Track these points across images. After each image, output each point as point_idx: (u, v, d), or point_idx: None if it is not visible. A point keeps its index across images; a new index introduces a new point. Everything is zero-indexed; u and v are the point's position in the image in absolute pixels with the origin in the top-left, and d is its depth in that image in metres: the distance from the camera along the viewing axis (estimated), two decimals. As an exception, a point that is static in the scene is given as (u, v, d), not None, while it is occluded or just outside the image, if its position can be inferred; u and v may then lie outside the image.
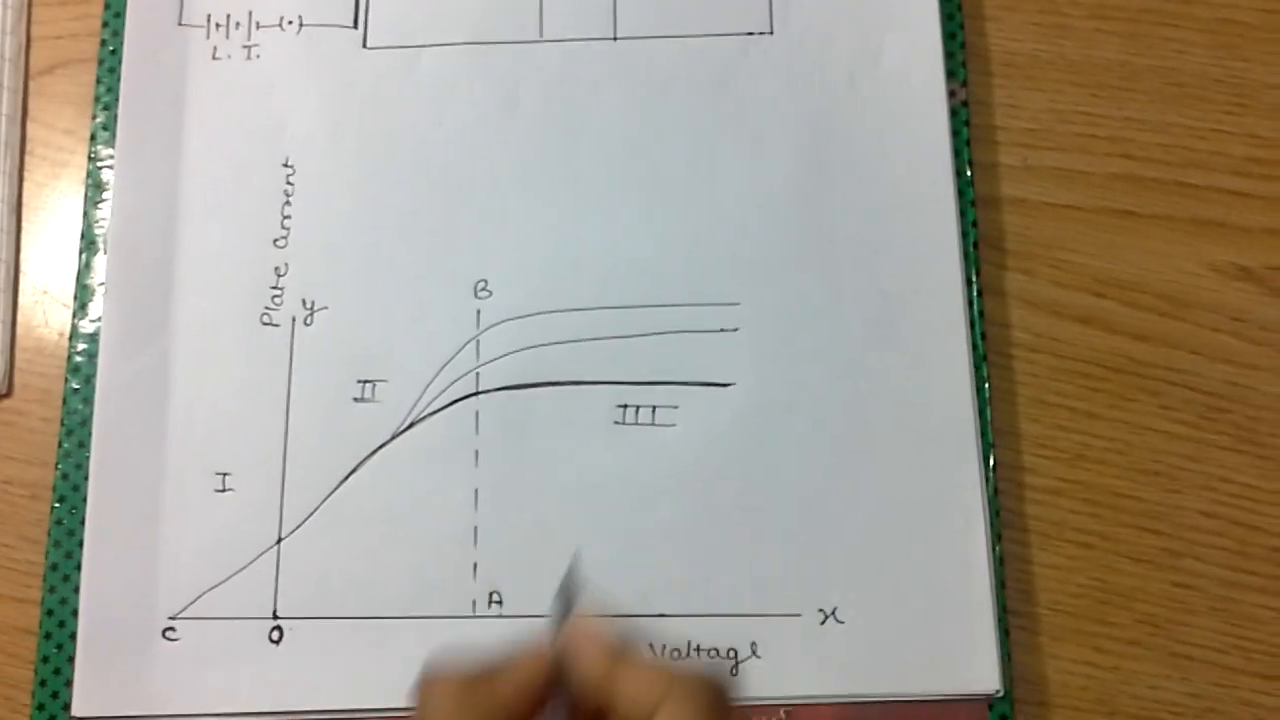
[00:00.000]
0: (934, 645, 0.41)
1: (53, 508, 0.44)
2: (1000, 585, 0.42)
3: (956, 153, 0.46)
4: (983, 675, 0.41)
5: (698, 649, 0.42)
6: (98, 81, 0.48)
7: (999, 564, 0.42)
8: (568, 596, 0.35)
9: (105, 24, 0.49)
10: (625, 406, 0.44)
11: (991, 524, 0.42)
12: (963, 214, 0.45)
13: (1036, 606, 0.43)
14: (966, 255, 0.45)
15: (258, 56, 0.48)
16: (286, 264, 0.45)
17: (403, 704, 0.40)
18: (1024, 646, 0.43)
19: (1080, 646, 0.43)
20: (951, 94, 0.46)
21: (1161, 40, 0.48)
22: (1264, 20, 0.48)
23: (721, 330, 0.44)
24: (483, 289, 0.45)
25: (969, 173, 0.46)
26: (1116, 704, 0.42)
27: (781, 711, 0.41)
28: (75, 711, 0.41)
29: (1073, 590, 0.43)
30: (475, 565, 0.43)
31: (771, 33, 0.47)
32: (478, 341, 0.44)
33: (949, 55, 0.47)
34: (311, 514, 0.43)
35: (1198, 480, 0.44)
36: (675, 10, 0.47)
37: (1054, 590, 0.43)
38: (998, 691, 0.41)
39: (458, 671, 0.32)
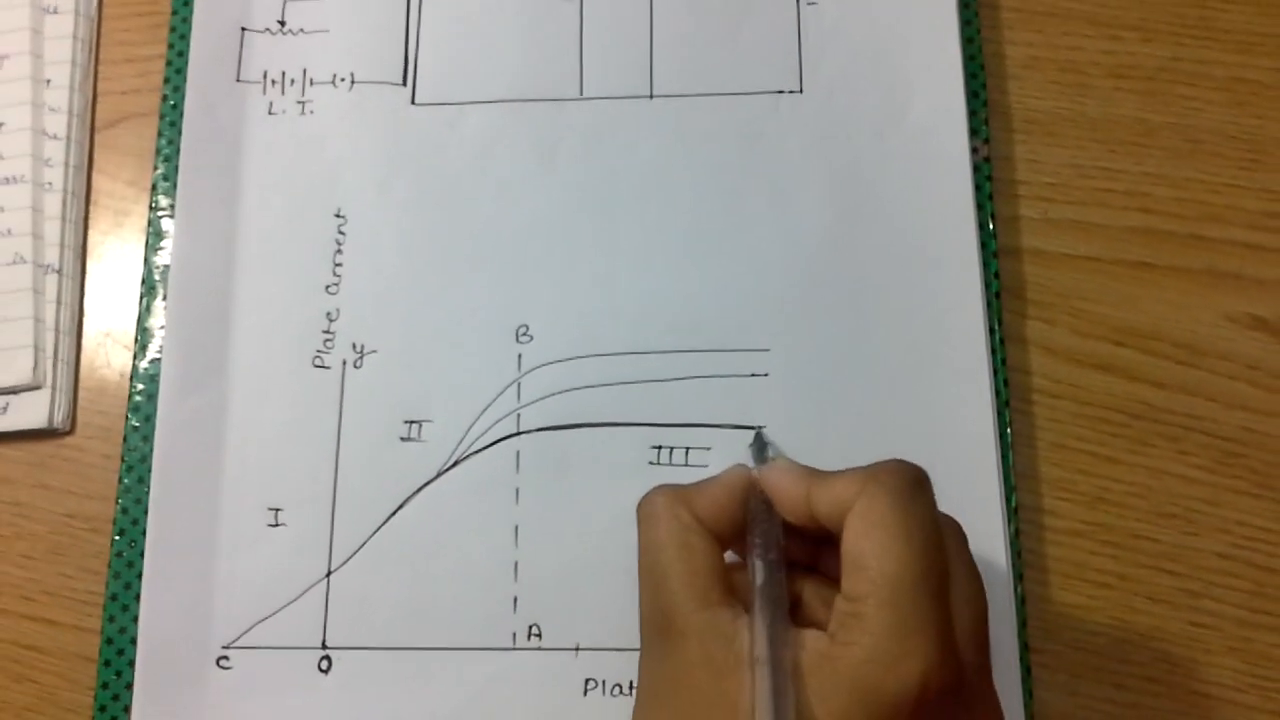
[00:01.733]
0: (958, 681, 0.43)
1: (113, 540, 0.46)
2: (1022, 624, 0.43)
3: (979, 206, 0.47)
4: (1007, 712, 0.42)
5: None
6: (159, 135, 0.50)
7: (1021, 603, 0.44)
8: (760, 447, 0.40)
9: (167, 80, 0.51)
10: (659, 448, 0.46)
11: (1013, 564, 0.44)
12: (985, 264, 0.47)
13: (1058, 645, 0.44)
14: (989, 304, 0.46)
15: (311, 112, 0.50)
16: (338, 309, 0.47)
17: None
18: (1045, 684, 0.44)
19: (1100, 684, 0.44)
20: (974, 150, 0.48)
21: (1178, 98, 0.50)
22: (1276, 79, 0.50)
23: (752, 375, 0.46)
24: (524, 334, 0.47)
25: (991, 225, 0.47)
26: (1136, 741, 0.43)
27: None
28: (134, 737, 0.43)
29: (1093, 629, 0.44)
30: (515, 599, 0.44)
31: (801, 91, 0.49)
32: (519, 384, 0.46)
33: (972, 113, 0.49)
34: (360, 548, 0.45)
35: (1215, 523, 0.45)
36: (709, 69, 0.50)
37: (1075, 629, 0.44)
38: (1020, 727, 0.42)
39: (672, 487, 0.37)
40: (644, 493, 0.37)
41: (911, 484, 0.34)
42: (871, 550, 0.32)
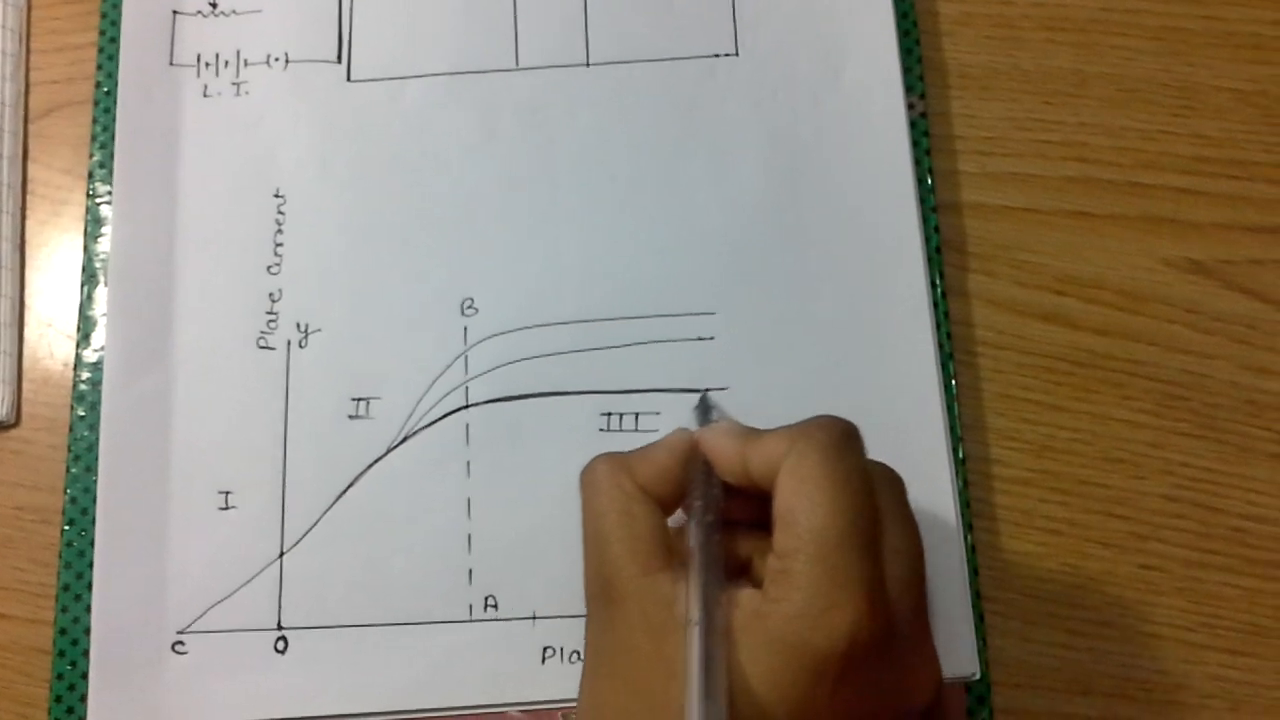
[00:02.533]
0: (912, 632, 0.43)
1: (62, 531, 0.45)
2: (974, 573, 0.44)
3: (917, 162, 0.48)
4: (960, 659, 0.43)
5: (686, 644, 0.43)
6: (94, 122, 0.50)
7: (971, 552, 0.44)
8: (705, 410, 0.40)
9: (99, 66, 0.50)
10: (609, 414, 0.46)
11: (963, 514, 0.44)
12: (925, 220, 0.47)
13: (1010, 592, 0.45)
14: (930, 259, 0.47)
15: (247, 93, 0.50)
16: (280, 290, 0.47)
17: (402, 707, 0.43)
18: (999, 631, 0.44)
19: (1053, 629, 0.44)
20: (910, 106, 0.48)
21: (1110, 49, 0.50)
22: (1206, 26, 0.50)
23: (699, 339, 0.46)
24: (469, 307, 0.47)
25: (929, 180, 0.48)
26: (1090, 683, 0.44)
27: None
28: (91, 726, 0.43)
29: (1044, 575, 0.45)
30: (470, 571, 0.44)
31: (737, 54, 0.49)
32: (466, 357, 0.46)
33: (907, 70, 0.49)
34: (311, 528, 0.45)
35: (1160, 466, 0.46)
36: (644, 36, 0.49)
37: (1026, 576, 0.45)
38: (974, 674, 0.43)
39: (614, 454, 0.37)
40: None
41: (839, 439, 0.34)
42: (800, 506, 0.33)
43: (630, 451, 0.37)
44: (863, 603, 0.31)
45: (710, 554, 0.34)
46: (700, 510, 0.35)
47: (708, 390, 0.45)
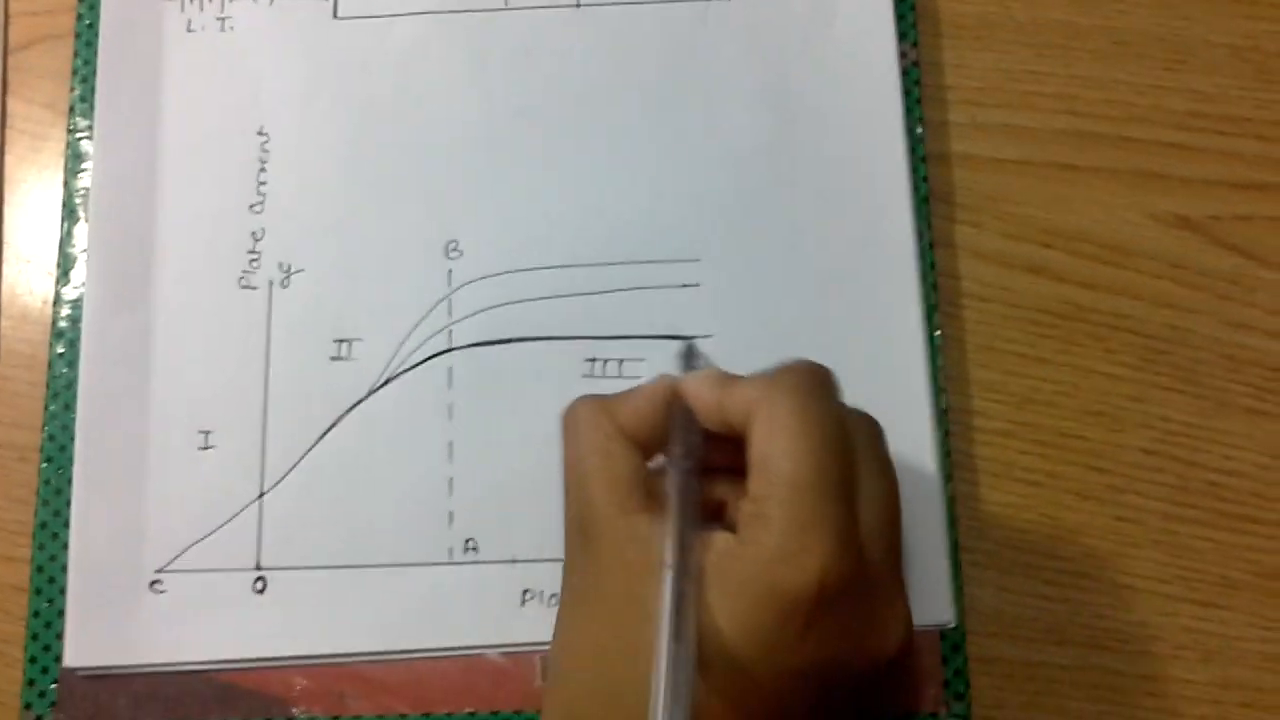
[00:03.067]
0: (890, 580, 0.43)
1: (40, 468, 0.45)
2: (952, 523, 0.44)
3: (907, 111, 0.47)
4: (937, 608, 0.43)
5: (665, 589, 0.44)
6: (75, 55, 0.49)
7: (951, 503, 0.44)
8: (689, 357, 0.39)
9: (81, -1, 0.50)
10: (594, 360, 0.46)
11: (943, 465, 0.44)
12: (914, 170, 0.47)
13: (988, 542, 0.45)
14: (917, 209, 0.47)
15: (231, 28, 0.49)
16: (263, 229, 0.47)
17: (381, 648, 0.43)
18: (976, 580, 0.45)
19: (1030, 579, 0.45)
20: (902, 55, 0.48)
21: (1104, 1, 0.50)
22: (1202, -20, 0.50)
23: (684, 285, 0.46)
24: (454, 249, 0.46)
25: (919, 130, 0.48)
26: (1066, 633, 0.44)
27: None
28: (67, 662, 0.43)
29: (1022, 526, 0.45)
30: (451, 514, 0.44)
31: (728, -2, 0.49)
32: (450, 300, 0.46)
33: (899, 18, 0.48)
34: (292, 469, 0.45)
35: (1140, 419, 0.46)
36: (634, -23, 0.49)
37: (1004, 527, 0.45)
38: (951, 622, 0.43)
39: (596, 396, 0.37)
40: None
41: (813, 384, 0.34)
42: (773, 451, 0.33)
43: (612, 395, 0.37)
44: (833, 546, 0.32)
45: (687, 499, 0.34)
46: (679, 456, 0.35)
47: (693, 339, 0.45)
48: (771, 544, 0.32)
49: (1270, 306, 0.47)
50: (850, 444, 0.34)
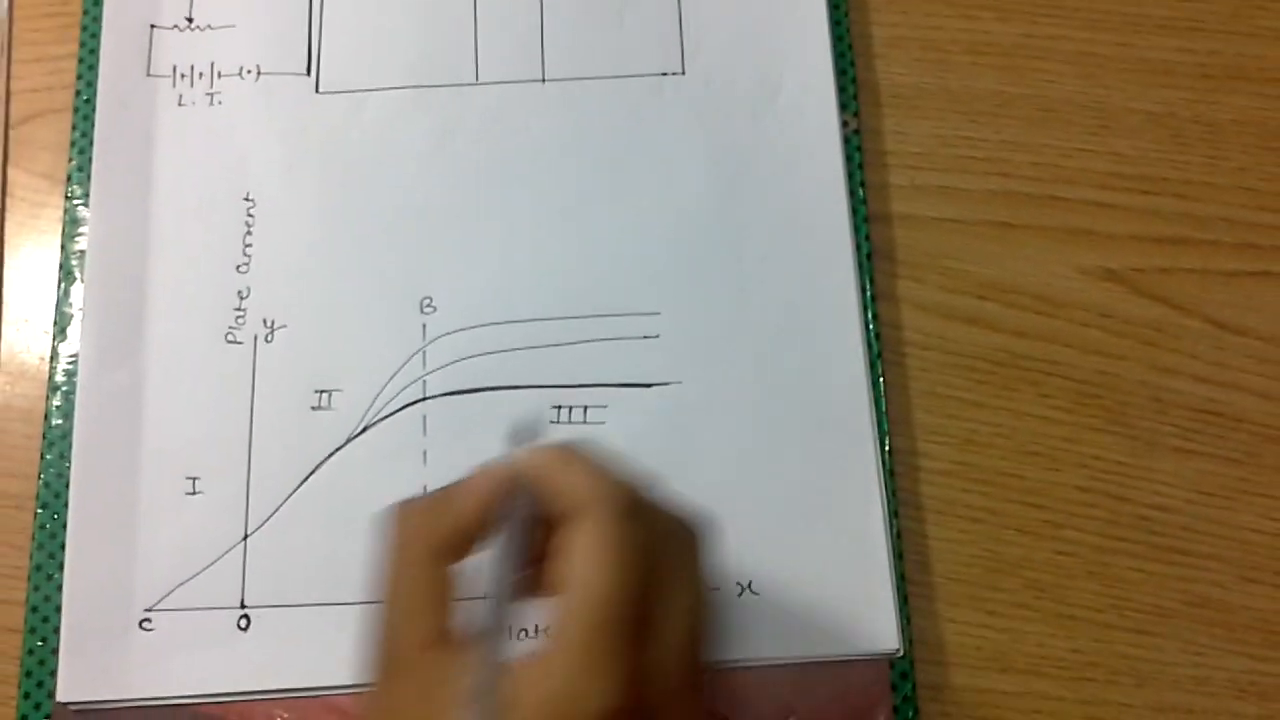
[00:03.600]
0: (840, 612, 0.46)
1: (36, 513, 0.47)
2: (898, 557, 0.47)
3: (850, 175, 0.51)
4: (884, 637, 0.46)
5: (628, 622, 0.46)
6: (73, 128, 0.52)
7: (897, 538, 0.47)
8: (521, 437, 0.37)
9: (80, 76, 0.53)
10: (559, 407, 0.48)
11: (889, 502, 0.47)
12: (856, 229, 0.50)
13: (933, 575, 0.48)
14: (860, 265, 0.50)
15: (220, 103, 0.52)
16: (249, 287, 0.50)
17: (359, 682, 0.45)
18: (922, 612, 0.47)
19: (974, 610, 0.47)
20: (845, 123, 0.52)
21: (1032, 71, 0.54)
22: (1120, 53, 0.54)
23: (644, 337, 0.49)
24: (428, 305, 0.49)
25: (861, 193, 0.51)
26: (1008, 661, 0.47)
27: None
28: (60, 698, 0.45)
29: (965, 560, 0.48)
30: (425, 554, 0.47)
31: (683, 73, 0.52)
32: (424, 352, 0.49)
33: (841, 89, 0.52)
34: (274, 512, 0.47)
35: (1074, 459, 0.49)
36: (597, 54, 0.53)
37: (948, 560, 0.48)
38: (898, 651, 0.45)
39: (421, 498, 0.36)
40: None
41: (630, 505, 0.33)
42: (574, 577, 0.32)
43: (439, 494, 0.36)
44: (617, 686, 0.31)
45: (497, 631, 0.33)
46: (499, 571, 0.34)
47: (652, 385, 0.48)
48: (557, 682, 0.31)
49: (1192, 352, 0.50)
50: (656, 566, 0.33)
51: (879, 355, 0.49)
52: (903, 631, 0.46)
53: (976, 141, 0.53)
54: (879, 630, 0.46)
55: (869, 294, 0.50)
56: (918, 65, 0.54)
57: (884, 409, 0.48)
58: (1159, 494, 0.49)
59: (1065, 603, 0.47)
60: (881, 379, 0.49)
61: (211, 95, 0.52)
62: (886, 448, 0.48)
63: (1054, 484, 0.49)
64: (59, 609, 0.46)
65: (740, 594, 0.46)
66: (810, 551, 0.47)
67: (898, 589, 0.46)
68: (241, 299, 0.50)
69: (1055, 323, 0.51)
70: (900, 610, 0.46)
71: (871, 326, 0.49)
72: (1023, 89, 0.54)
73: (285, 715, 0.45)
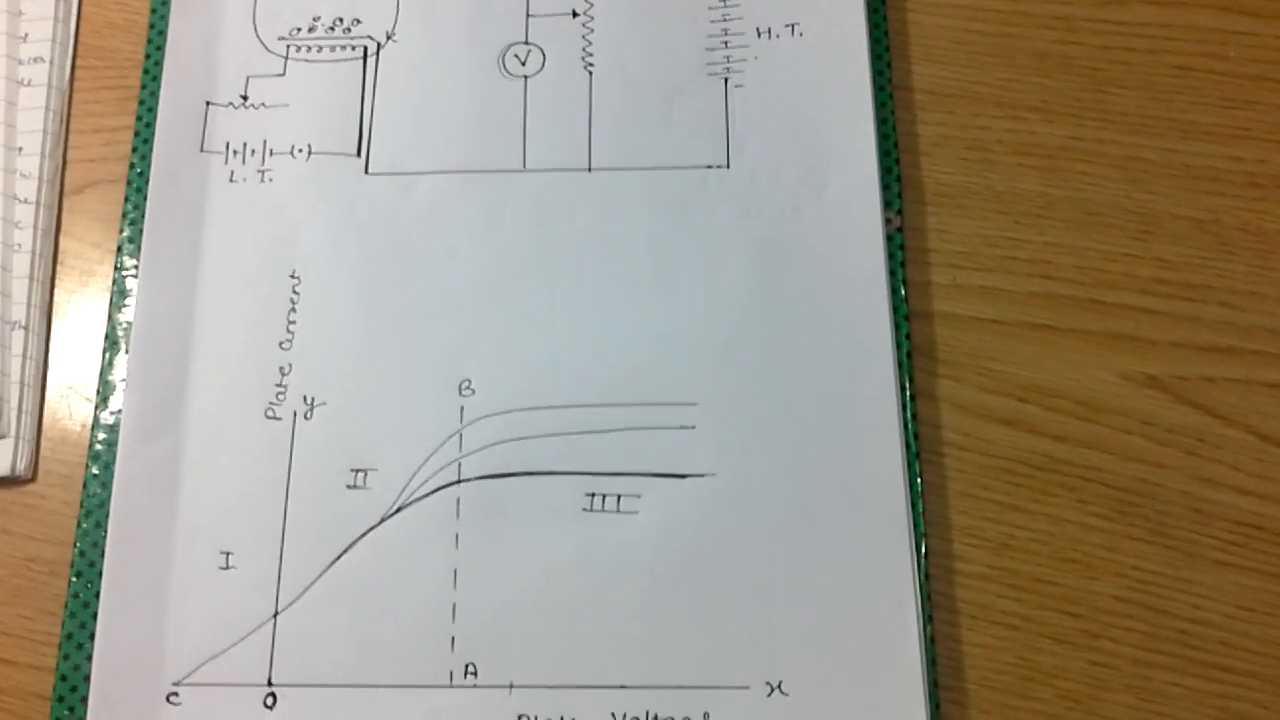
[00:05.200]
0: (870, 716, 0.45)
1: (70, 582, 0.48)
2: (931, 662, 0.46)
3: (892, 272, 0.51)
4: (915, 745, 0.45)
5: (655, 717, 0.45)
6: (125, 200, 0.53)
7: (930, 643, 0.46)
8: None
9: (134, 149, 0.54)
10: (594, 495, 0.48)
11: (923, 606, 0.47)
12: (897, 327, 0.50)
13: (966, 682, 0.47)
14: (900, 364, 0.50)
15: (270, 180, 0.53)
16: (290, 364, 0.50)
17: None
18: (954, 719, 0.46)
19: (1007, 719, 0.47)
20: (888, 221, 0.52)
21: (1076, 174, 0.54)
22: (1166, 158, 0.54)
23: (681, 427, 0.49)
24: (466, 388, 0.50)
25: (903, 290, 0.51)
26: (1040, 774, 0.46)
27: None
28: (84, 771, 0.45)
29: (999, 668, 0.47)
30: (453, 639, 0.46)
31: (728, 166, 0.53)
32: (461, 435, 0.49)
33: (885, 187, 0.52)
34: (306, 590, 0.47)
35: (1112, 568, 0.48)
36: (643, 146, 0.53)
37: (982, 667, 0.47)
38: (928, 759, 0.45)
39: None
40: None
41: None
42: None
43: None
44: None
45: None
46: None
47: (687, 476, 0.48)
48: None
49: (1234, 463, 0.49)
50: None
51: (917, 454, 0.49)
52: (934, 740, 0.45)
53: (1020, 242, 0.53)
54: (909, 737, 0.45)
55: (908, 392, 0.49)
56: (963, 164, 0.54)
57: (921, 510, 0.48)
58: (1198, 607, 0.48)
59: (1100, 715, 0.47)
60: (919, 479, 0.48)
61: (263, 172, 0.53)
62: (923, 549, 0.47)
63: (1091, 593, 0.48)
64: (88, 679, 0.46)
65: (770, 694, 0.46)
66: (842, 653, 0.46)
67: (930, 696, 0.45)
68: (283, 375, 0.50)
69: (1096, 428, 0.50)
70: (932, 717, 0.45)
71: (910, 425, 0.49)
72: (1067, 191, 0.54)
73: (306, 798, 0.45)
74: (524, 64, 0.55)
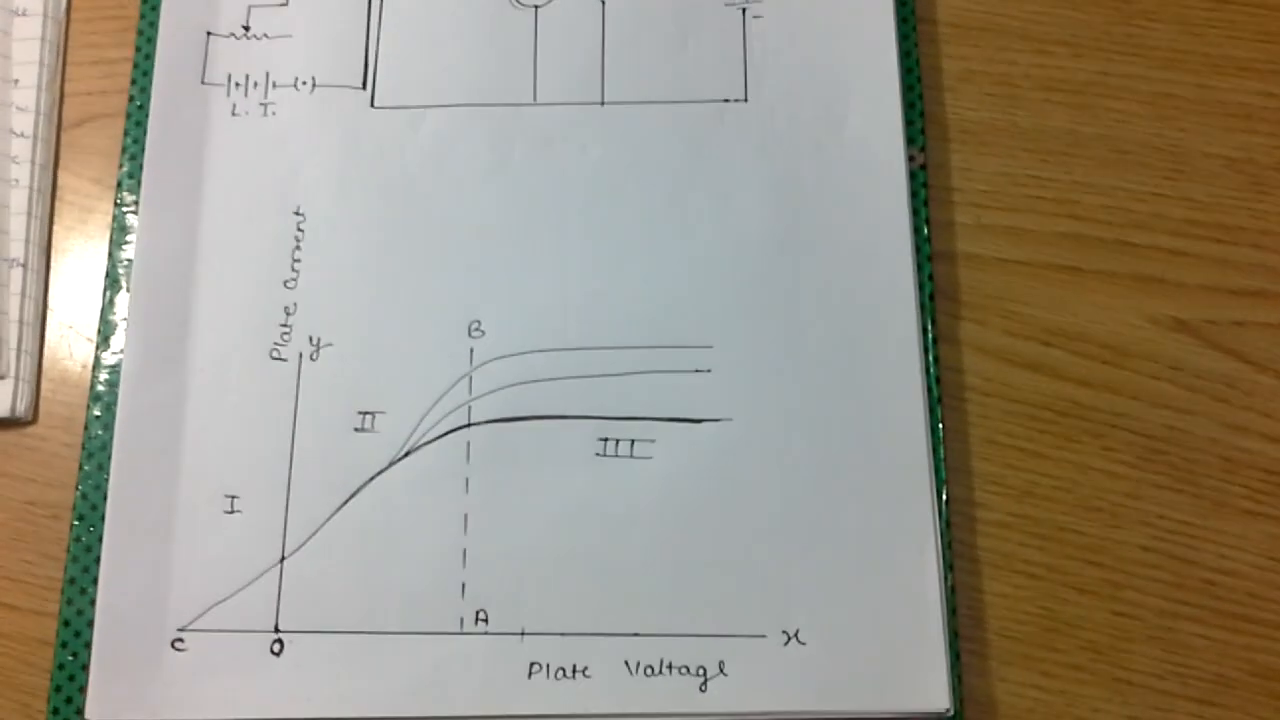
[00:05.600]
0: (889, 666, 0.44)
1: (72, 526, 0.47)
2: (952, 612, 0.45)
3: (914, 212, 0.49)
4: (934, 695, 0.44)
5: (669, 666, 0.45)
6: (125, 134, 0.52)
7: (951, 592, 0.45)
8: None
9: (133, 81, 0.52)
10: (606, 440, 0.47)
11: (944, 554, 0.46)
12: (919, 268, 0.49)
13: (986, 632, 0.46)
14: (922, 306, 0.48)
15: (273, 114, 0.52)
16: (295, 303, 0.49)
17: (390, 714, 0.44)
18: (974, 670, 0.46)
19: (1027, 670, 0.46)
20: (910, 158, 0.50)
21: (1106, 111, 0.52)
22: (1199, 94, 0.52)
23: (695, 371, 0.48)
24: (476, 329, 0.48)
25: (926, 230, 0.49)
26: (1060, 724, 0.45)
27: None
28: (88, 715, 0.44)
29: (1020, 618, 0.46)
30: (464, 585, 0.46)
31: (746, 100, 0.51)
32: (470, 378, 0.48)
33: (908, 123, 0.51)
34: (313, 535, 0.46)
35: (1137, 516, 0.47)
36: (658, 78, 0.51)
37: (1003, 617, 0.46)
38: (948, 710, 0.44)
39: None
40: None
41: None
42: None
43: None
44: None
45: None
46: None
47: (703, 420, 0.46)
48: None
49: (1265, 410, 0.48)
50: None
51: (939, 399, 0.47)
52: (954, 690, 0.44)
53: (1046, 181, 0.51)
54: (929, 688, 0.44)
55: (930, 335, 0.48)
56: (988, 101, 0.52)
57: (942, 456, 0.47)
58: (1226, 557, 0.47)
59: (1123, 667, 0.46)
60: (941, 424, 0.47)
61: (265, 105, 0.52)
62: (944, 497, 0.46)
63: (1116, 542, 0.47)
64: (91, 624, 0.45)
65: (786, 643, 0.45)
66: (860, 601, 0.45)
67: (950, 645, 0.45)
68: (288, 315, 0.49)
69: (1123, 373, 0.49)
70: (952, 667, 0.44)
71: (932, 369, 0.48)
72: (1096, 128, 0.52)
73: (315, 745, 0.44)
74: (535, -6, 0.53)
